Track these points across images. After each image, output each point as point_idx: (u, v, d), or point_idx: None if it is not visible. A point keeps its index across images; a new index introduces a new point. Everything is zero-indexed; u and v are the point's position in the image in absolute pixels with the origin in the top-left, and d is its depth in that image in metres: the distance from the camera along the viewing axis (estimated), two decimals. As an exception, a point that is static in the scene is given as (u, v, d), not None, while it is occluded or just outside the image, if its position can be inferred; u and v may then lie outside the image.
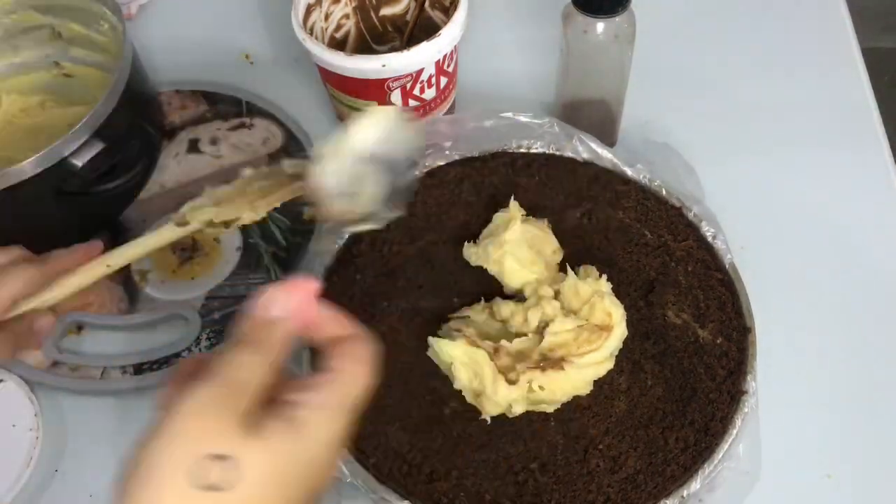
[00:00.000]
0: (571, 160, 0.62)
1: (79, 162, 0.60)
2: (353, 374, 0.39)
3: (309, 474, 0.36)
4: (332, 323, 0.41)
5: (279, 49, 0.80)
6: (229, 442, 0.34)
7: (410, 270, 0.58)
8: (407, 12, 0.71)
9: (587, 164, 0.62)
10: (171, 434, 0.34)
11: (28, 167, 0.58)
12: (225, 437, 0.34)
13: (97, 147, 0.61)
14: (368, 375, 0.39)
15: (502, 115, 0.63)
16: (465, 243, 0.58)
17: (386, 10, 0.71)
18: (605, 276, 0.55)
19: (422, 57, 0.61)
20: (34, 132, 0.71)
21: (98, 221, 0.67)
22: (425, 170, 0.62)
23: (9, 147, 0.70)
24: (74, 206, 0.63)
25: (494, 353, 0.51)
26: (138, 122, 0.64)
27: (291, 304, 0.39)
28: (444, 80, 0.65)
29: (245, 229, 0.67)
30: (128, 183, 0.63)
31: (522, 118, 0.63)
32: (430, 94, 0.65)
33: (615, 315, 0.53)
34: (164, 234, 0.52)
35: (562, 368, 0.51)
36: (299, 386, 0.37)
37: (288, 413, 0.36)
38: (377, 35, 0.72)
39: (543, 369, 0.50)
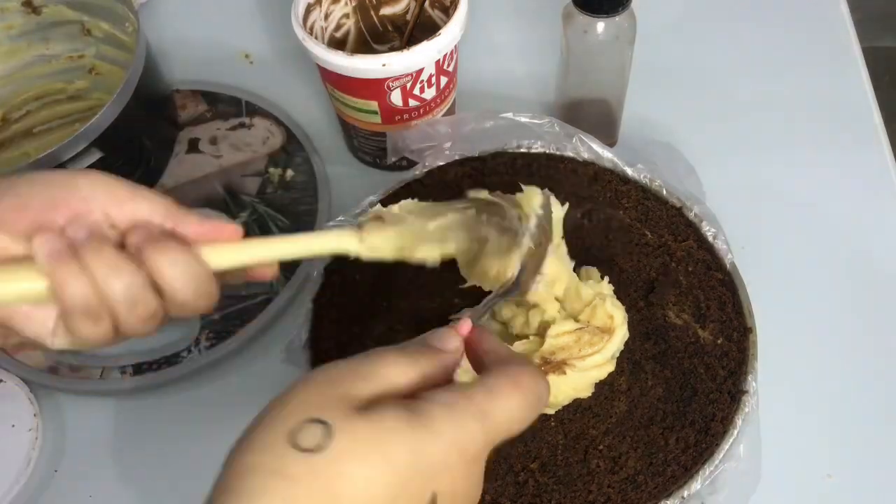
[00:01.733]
0: (571, 160, 0.62)
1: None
2: (501, 393, 0.35)
3: (430, 473, 0.33)
4: (497, 349, 0.39)
5: (279, 49, 0.80)
6: (334, 412, 0.33)
7: (410, 270, 0.58)
8: (407, 12, 0.71)
9: (587, 164, 0.62)
10: (285, 400, 0.34)
11: (25, 169, 0.58)
12: (332, 408, 0.33)
13: (94, 156, 0.61)
14: (524, 407, 0.36)
15: (502, 115, 0.63)
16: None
17: (386, 10, 0.71)
18: (606, 279, 0.55)
19: (422, 57, 0.61)
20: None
21: None
22: (425, 170, 0.62)
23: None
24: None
25: None
26: (139, 135, 0.65)
27: (459, 342, 0.39)
28: (444, 80, 0.65)
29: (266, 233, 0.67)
30: None
31: (522, 119, 0.63)
32: (430, 93, 0.65)
33: (617, 318, 0.52)
34: (339, 237, 0.44)
35: (563, 372, 0.50)
36: (438, 388, 0.35)
37: (412, 403, 0.34)
38: (377, 35, 0.72)
39: (545, 373, 0.50)
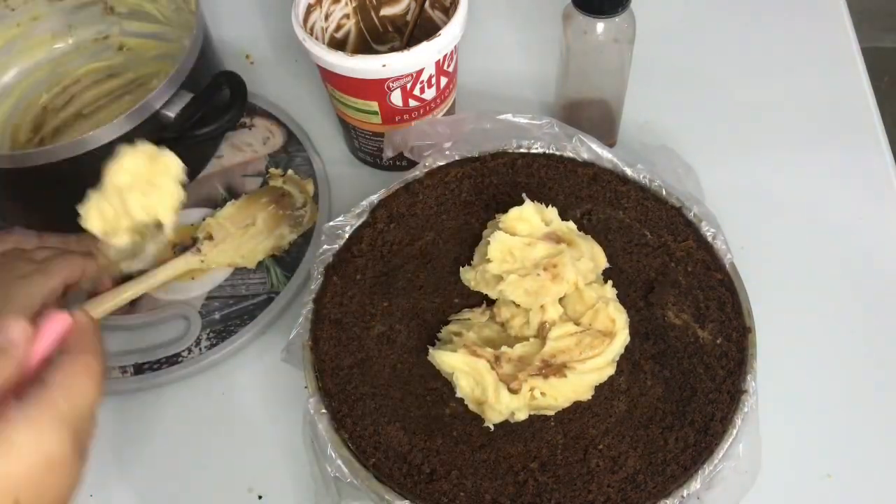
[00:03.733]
0: (571, 160, 0.62)
1: (171, 113, 0.62)
2: (77, 387, 0.38)
3: (13, 487, 0.35)
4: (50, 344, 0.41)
5: (279, 49, 0.80)
6: None
7: (410, 270, 0.58)
8: (407, 12, 0.71)
9: (587, 164, 0.62)
10: None
11: (124, 121, 0.59)
12: None
13: (186, 98, 0.62)
14: (96, 391, 0.39)
15: (501, 117, 0.63)
16: (461, 268, 0.58)
17: (386, 10, 0.71)
18: (610, 283, 0.55)
19: (422, 57, 0.61)
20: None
21: (199, 163, 0.69)
22: (425, 169, 0.62)
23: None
24: (175, 152, 0.63)
25: (496, 362, 0.51)
26: (223, 71, 0.66)
27: (20, 333, 0.39)
28: (444, 80, 0.65)
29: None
30: (220, 128, 0.64)
31: (521, 120, 0.63)
32: (430, 94, 0.65)
33: (619, 322, 0.52)
34: (186, 262, 0.63)
35: (564, 375, 0.50)
36: (17, 401, 0.37)
37: None
38: (377, 35, 0.72)
39: (545, 376, 0.50)
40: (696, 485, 0.50)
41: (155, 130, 0.61)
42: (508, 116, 0.63)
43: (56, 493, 0.37)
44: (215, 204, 0.69)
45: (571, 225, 0.57)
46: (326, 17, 0.68)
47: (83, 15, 0.75)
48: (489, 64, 0.77)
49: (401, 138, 0.64)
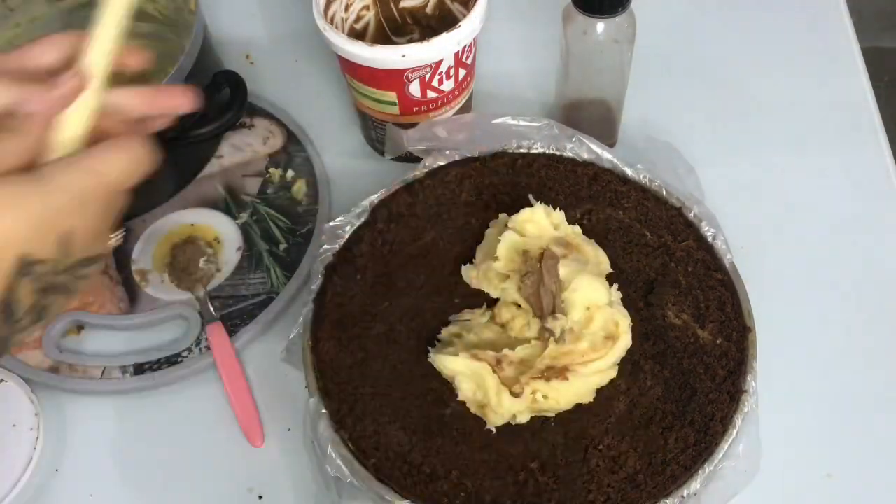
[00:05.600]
0: (571, 160, 0.62)
1: None
2: (111, 150, 0.41)
3: (55, 218, 0.39)
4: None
5: (279, 49, 0.80)
6: None
7: (410, 270, 0.58)
8: (426, 4, 0.71)
9: (587, 164, 0.62)
10: None
11: None
12: None
13: None
14: (131, 160, 0.42)
15: (498, 120, 0.63)
16: (463, 266, 0.58)
17: (406, 2, 0.71)
18: (616, 286, 0.55)
19: (441, 48, 0.61)
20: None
21: (199, 163, 0.70)
22: (425, 169, 0.62)
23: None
24: (171, 152, 0.63)
25: (497, 365, 0.51)
26: (223, 71, 0.66)
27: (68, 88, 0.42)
28: (462, 72, 0.65)
29: (246, 229, 0.67)
30: (221, 128, 0.64)
31: (520, 122, 0.63)
32: (448, 85, 0.65)
33: (622, 325, 0.52)
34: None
35: (566, 378, 0.50)
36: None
37: (35, 170, 0.39)
38: (396, 27, 0.72)
39: (547, 379, 0.50)
40: (696, 485, 0.50)
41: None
42: (507, 119, 0.63)
43: (95, 224, 0.41)
44: (215, 204, 0.69)
45: (577, 229, 0.57)
46: (346, 8, 0.68)
47: (83, 15, 0.74)
48: (489, 64, 0.77)
49: (401, 139, 0.64)
